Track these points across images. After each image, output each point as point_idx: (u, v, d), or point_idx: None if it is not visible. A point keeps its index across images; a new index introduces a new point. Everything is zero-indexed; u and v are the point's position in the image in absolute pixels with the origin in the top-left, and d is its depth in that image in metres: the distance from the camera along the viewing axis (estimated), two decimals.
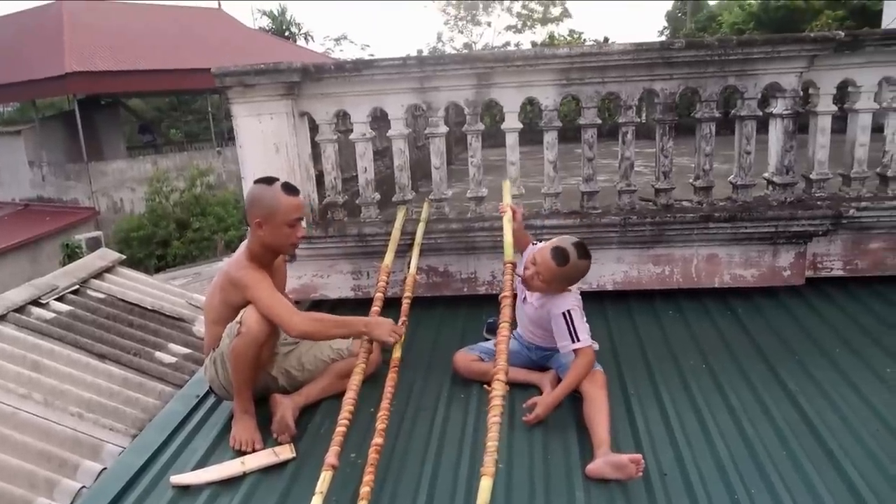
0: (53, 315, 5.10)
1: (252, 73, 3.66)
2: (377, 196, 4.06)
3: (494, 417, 2.31)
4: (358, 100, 3.85)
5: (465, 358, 3.22)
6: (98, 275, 5.91)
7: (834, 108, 3.82)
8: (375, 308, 3.21)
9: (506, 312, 2.79)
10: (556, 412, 2.84)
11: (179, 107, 30.74)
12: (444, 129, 3.93)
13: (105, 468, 3.46)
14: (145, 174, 20.88)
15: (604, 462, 2.47)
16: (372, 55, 37.74)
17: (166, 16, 25.92)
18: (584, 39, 28.45)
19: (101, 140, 23.18)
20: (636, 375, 3.18)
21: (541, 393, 2.95)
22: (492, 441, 2.22)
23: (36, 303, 5.19)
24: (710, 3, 34.28)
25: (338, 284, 4.10)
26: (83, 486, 3.43)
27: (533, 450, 2.67)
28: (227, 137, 22.88)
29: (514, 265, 3.07)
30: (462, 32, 44.18)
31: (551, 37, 30.76)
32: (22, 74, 20.17)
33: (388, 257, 3.60)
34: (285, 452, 2.70)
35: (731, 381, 3.09)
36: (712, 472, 2.49)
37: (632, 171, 3.92)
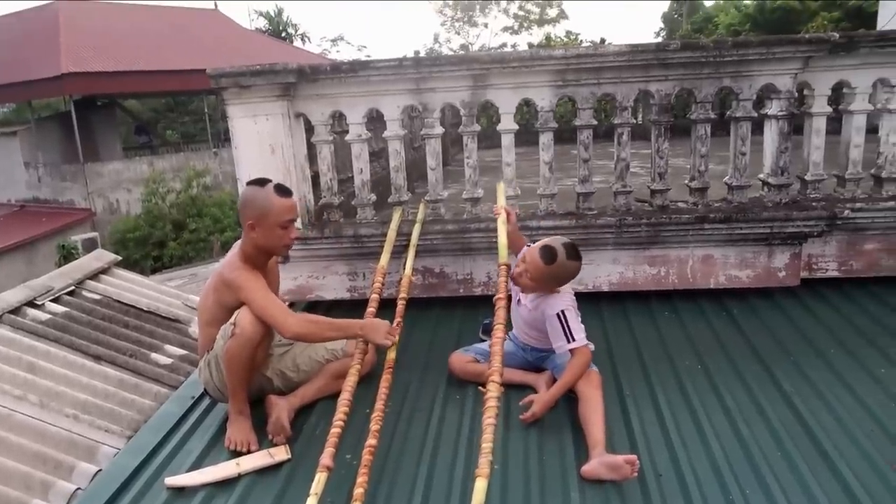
0: (49, 316, 5.09)
1: (248, 74, 3.65)
2: (373, 197, 4.06)
3: (489, 419, 2.32)
4: (354, 101, 3.85)
5: (461, 359, 3.22)
6: (94, 276, 5.89)
7: (829, 109, 3.84)
8: (371, 309, 3.20)
9: (500, 314, 2.80)
10: (552, 413, 2.84)
11: (176, 108, 30.72)
12: (439, 130, 3.93)
13: (100, 470, 3.45)
14: (141, 175, 20.88)
15: (599, 463, 2.47)
16: (369, 56, 37.87)
17: (163, 17, 25.93)
18: (581, 41, 28.44)
19: (98, 141, 23.18)
20: (632, 376, 3.19)
21: (536, 393, 2.95)
22: (486, 442, 2.22)
23: (31, 304, 5.18)
24: (707, 4, 34.36)
25: (333, 285, 4.09)
26: (78, 488, 3.42)
27: (528, 450, 2.67)
28: (224, 138, 22.87)
29: (509, 267, 3.08)
30: (459, 34, 44.31)
31: (548, 38, 30.77)
32: (18, 75, 20.16)
33: (384, 258, 3.60)
34: (280, 454, 2.70)
35: (726, 381, 3.09)
36: (707, 473, 2.49)
37: (627, 172, 3.93)
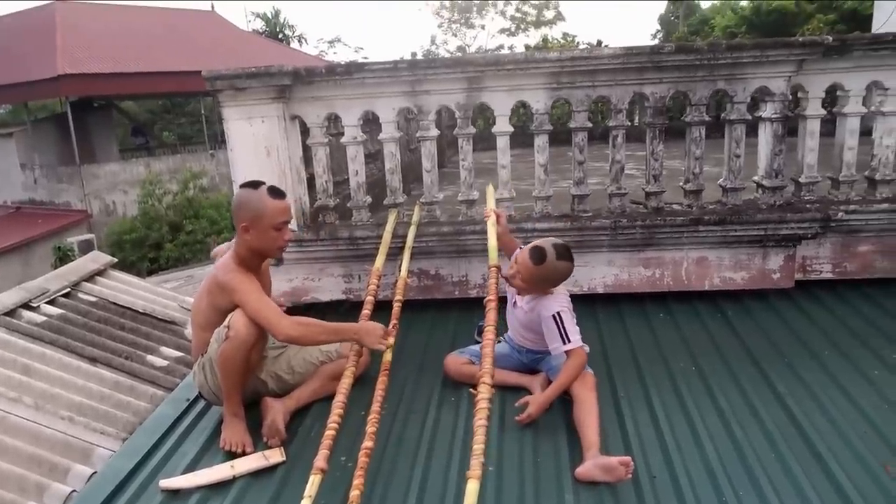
0: (44, 318, 5.09)
1: (243, 77, 3.66)
2: (368, 199, 4.07)
3: (480, 420, 2.32)
4: (349, 103, 3.86)
5: (456, 361, 3.22)
6: (89, 278, 5.89)
7: (823, 111, 3.85)
8: (366, 311, 3.20)
9: (490, 316, 2.80)
10: (547, 415, 2.85)
11: (172, 109, 30.72)
12: (435, 132, 3.93)
13: (95, 472, 3.45)
14: (138, 177, 20.85)
15: (593, 465, 2.48)
16: (366, 58, 37.78)
17: (159, 18, 25.89)
18: (578, 42, 28.49)
19: (94, 142, 23.16)
20: (626, 378, 3.19)
21: (531, 395, 2.96)
22: (478, 444, 2.23)
23: (27, 306, 5.18)
24: (703, 6, 34.44)
25: (329, 288, 4.09)
26: (73, 490, 3.42)
27: (523, 452, 2.68)
28: (221, 140, 22.81)
29: (499, 269, 3.08)
30: (456, 35, 44.37)
31: (545, 40, 30.81)
32: (14, 76, 20.13)
33: (379, 260, 3.60)
34: (275, 456, 2.70)
35: (720, 383, 3.10)
36: (701, 475, 2.50)
37: (622, 175, 3.94)
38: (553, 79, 3.75)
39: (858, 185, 3.99)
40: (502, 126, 3.89)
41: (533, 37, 40.89)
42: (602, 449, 2.58)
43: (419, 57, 35.84)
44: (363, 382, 3.01)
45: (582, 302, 3.70)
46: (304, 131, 3.99)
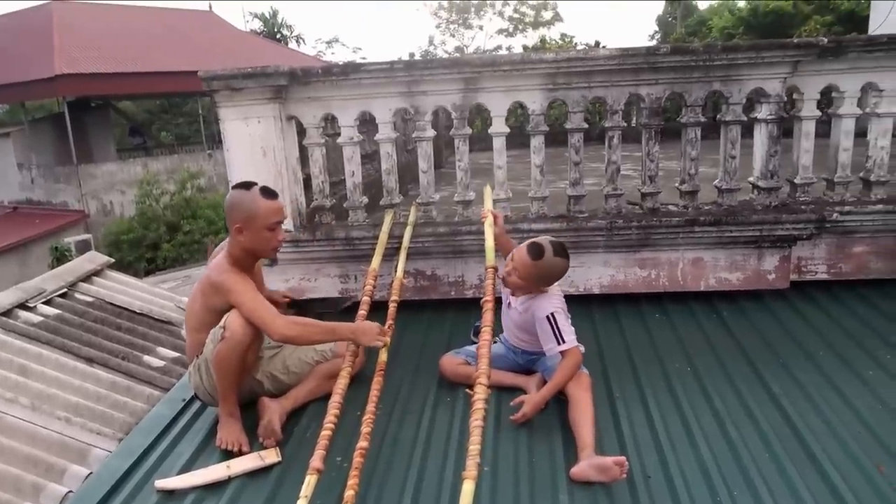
0: (41, 319, 5.08)
1: (239, 77, 3.66)
2: (365, 200, 4.07)
3: (476, 421, 2.33)
4: (345, 104, 3.86)
5: (452, 361, 3.23)
6: (86, 278, 5.88)
7: (818, 113, 3.86)
8: (362, 312, 3.21)
9: (487, 317, 2.81)
10: (542, 415, 2.86)
11: (170, 109, 30.72)
12: (431, 133, 3.94)
13: (92, 472, 3.45)
14: (135, 177, 20.84)
15: (588, 465, 2.49)
16: (364, 58, 37.81)
17: (157, 18, 25.88)
18: (576, 43, 28.51)
19: (91, 142, 23.15)
20: (622, 378, 3.20)
21: (527, 395, 2.96)
22: (474, 444, 2.24)
23: (23, 306, 5.17)
24: (701, 7, 34.48)
25: (325, 288, 4.10)
26: (70, 491, 3.41)
27: (518, 453, 2.68)
28: (218, 140, 22.57)
29: (496, 269, 3.09)
30: (454, 36, 44.40)
31: (542, 40, 30.88)
32: (11, 76, 20.11)
33: (376, 261, 3.61)
34: (271, 456, 2.71)
35: (715, 384, 3.11)
36: (696, 475, 2.51)
37: (618, 175, 3.95)
38: (549, 80, 3.76)
39: (853, 186, 4.00)
40: (498, 127, 3.90)
41: (531, 37, 40.99)
42: (597, 449, 2.58)
43: (417, 57, 35.91)
44: (359, 382, 3.01)
45: (578, 302, 3.72)
46: (301, 132, 3.99)
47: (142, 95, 26.69)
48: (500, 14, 42.55)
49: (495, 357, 3.01)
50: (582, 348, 2.95)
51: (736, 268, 3.93)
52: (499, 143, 3.93)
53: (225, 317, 2.79)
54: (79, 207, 20.59)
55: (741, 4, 25.53)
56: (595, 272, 3.98)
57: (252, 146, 3.81)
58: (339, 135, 4.00)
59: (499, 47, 42.03)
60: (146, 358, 4.96)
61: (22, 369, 4.33)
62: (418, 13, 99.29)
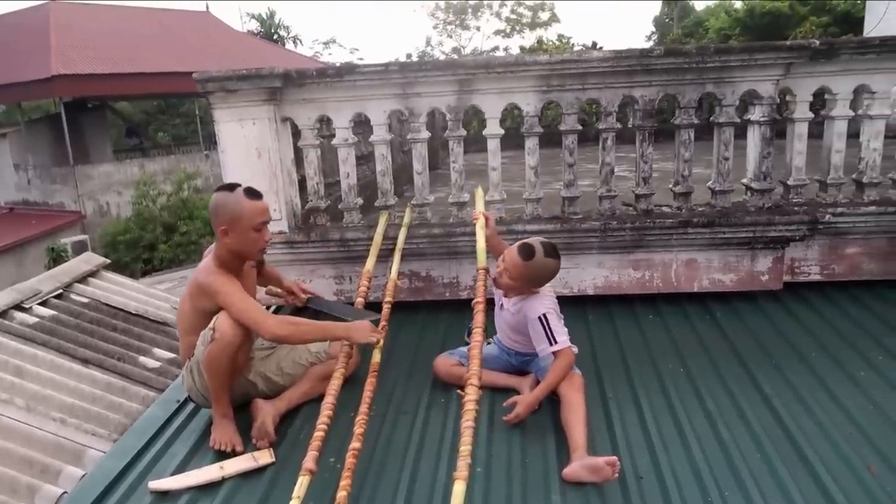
0: (36, 320, 5.09)
1: (234, 79, 3.67)
2: (360, 201, 4.08)
3: (468, 422, 2.34)
4: (340, 105, 3.88)
5: (446, 362, 3.24)
6: (82, 279, 5.89)
7: (810, 115, 3.87)
8: None
9: (478, 318, 2.82)
10: (535, 416, 2.87)
11: (167, 110, 30.68)
12: (426, 134, 3.95)
13: (86, 473, 3.46)
14: (132, 178, 20.81)
15: (580, 465, 2.50)
16: (361, 59, 37.85)
17: (154, 19, 25.84)
18: (573, 44, 28.51)
19: (88, 143, 23.11)
20: (615, 379, 3.21)
21: (520, 395, 2.97)
22: (465, 445, 2.25)
23: (19, 307, 5.17)
24: (698, 7, 34.53)
25: (320, 289, 4.09)
26: (65, 492, 3.41)
27: (511, 453, 2.69)
28: (215, 141, 22.49)
29: (487, 271, 3.10)
30: (451, 37, 44.31)
31: (540, 41, 30.81)
32: (8, 77, 20.07)
33: (370, 262, 3.62)
34: (264, 457, 2.71)
35: (708, 385, 3.12)
36: (687, 476, 2.52)
37: (612, 177, 3.96)
38: (543, 82, 3.77)
39: (846, 187, 4.01)
40: (493, 128, 3.91)
41: (528, 38, 40.90)
42: (590, 450, 2.60)
43: (414, 58, 35.90)
44: (353, 384, 3.02)
45: (572, 303, 3.73)
46: (296, 133, 4.00)
47: (139, 96, 26.64)
48: (498, 15, 42.52)
49: (489, 358, 3.02)
50: (575, 349, 2.96)
51: (729, 269, 3.94)
52: (493, 145, 3.94)
53: (214, 318, 2.79)
54: (75, 208, 20.55)
55: (738, 5, 25.59)
56: (589, 273, 3.99)
57: (247, 148, 3.82)
58: (334, 136, 4.01)
59: (496, 48, 42.03)
60: (142, 359, 4.97)
61: (17, 370, 4.34)
62: (415, 14, 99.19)
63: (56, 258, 15.89)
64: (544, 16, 41.65)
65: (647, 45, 33.31)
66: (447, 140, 4.03)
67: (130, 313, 5.60)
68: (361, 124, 4.20)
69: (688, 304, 3.96)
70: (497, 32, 43.08)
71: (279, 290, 3.55)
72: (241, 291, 2.84)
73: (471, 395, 2.44)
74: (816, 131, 3.93)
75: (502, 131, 3.93)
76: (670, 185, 4.06)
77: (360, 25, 75.57)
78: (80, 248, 15.91)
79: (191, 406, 3.21)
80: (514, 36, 42.70)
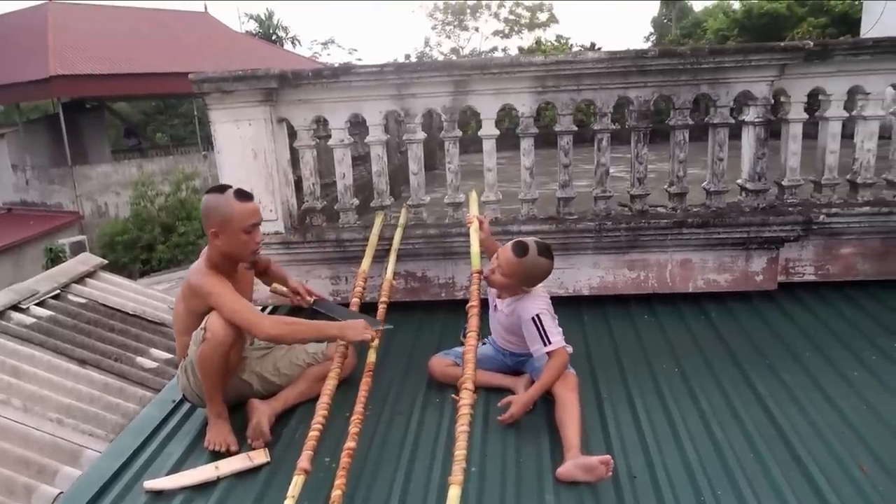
0: (34, 320, 5.10)
1: (230, 80, 3.68)
2: (356, 201, 4.09)
3: (462, 426, 2.35)
4: (336, 106, 3.89)
5: (441, 363, 3.24)
6: (79, 279, 5.90)
7: (805, 115, 3.89)
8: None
9: (472, 322, 2.84)
10: (529, 416, 2.87)
11: (165, 110, 30.65)
12: (421, 135, 3.96)
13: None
14: (130, 178, 20.80)
15: (574, 465, 2.50)
16: (359, 60, 37.85)
17: (152, 19, 25.81)
18: (571, 45, 28.52)
19: (86, 144, 23.10)
20: (609, 379, 3.22)
21: (515, 395, 2.98)
22: (460, 450, 2.26)
23: (16, 308, 5.18)
24: (696, 7, 34.57)
25: (316, 289, 4.09)
26: (61, 492, 3.42)
27: (505, 453, 2.70)
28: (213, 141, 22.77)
29: (481, 273, 3.11)
30: (450, 37, 44.33)
31: (538, 42, 30.81)
32: (6, 77, 20.04)
33: (366, 262, 3.63)
34: (259, 457, 2.72)
35: (702, 385, 3.13)
36: (681, 476, 2.53)
37: (607, 178, 3.98)
38: (538, 82, 3.78)
39: (840, 188, 4.03)
40: (488, 129, 3.92)
41: (526, 39, 40.91)
42: (584, 449, 2.60)
43: (413, 59, 35.90)
44: (349, 384, 3.03)
45: (567, 304, 3.74)
46: (292, 134, 4.01)
47: (137, 96, 26.62)
48: (496, 16, 42.53)
49: (484, 359, 3.03)
50: (569, 349, 2.96)
51: (724, 269, 3.95)
52: (488, 146, 3.95)
53: (206, 318, 2.79)
54: (73, 209, 20.54)
55: (736, 6, 25.58)
56: (584, 273, 4.01)
57: (243, 148, 3.83)
58: (330, 137, 4.02)
59: (494, 49, 42.05)
60: (139, 359, 4.98)
61: (14, 371, 4.35)
62: (414, 15, 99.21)
63: (54, 259, 15.89)
64: (543, 16, 41.70)
65: (646, 45, 33.29)
66: (444, 140, 4.04)
67: (128, 314, 5.61)
68: (358, 125, 4.21)
69: (683, 304, 3.97)
70: (496, 33, 43.12)
71: (284, 290, 3.56)
72: (232, 293, 2.83)
73: (465, 399, 2.45)
74: (811, 132, 3.95)
75: (498, 132, 3.94)
76: (665, 186, 4.07)
77: (358, 26, 75.62)
78: (78, 249, 15.92)
79: (186, 406, 3.21)
80: (512, 37, 42.76)
